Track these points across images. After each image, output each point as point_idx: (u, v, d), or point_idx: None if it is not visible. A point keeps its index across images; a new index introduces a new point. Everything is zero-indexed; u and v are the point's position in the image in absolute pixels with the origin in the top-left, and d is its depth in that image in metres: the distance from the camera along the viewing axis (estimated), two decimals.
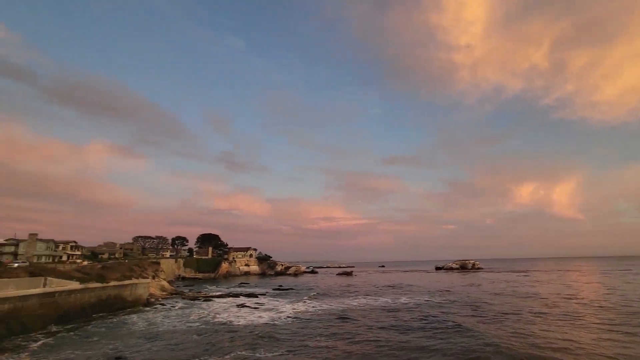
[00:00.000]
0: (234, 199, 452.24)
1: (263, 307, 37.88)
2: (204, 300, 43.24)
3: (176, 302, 42.56)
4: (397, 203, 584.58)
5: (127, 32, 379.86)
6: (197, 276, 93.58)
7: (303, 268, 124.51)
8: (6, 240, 72.69)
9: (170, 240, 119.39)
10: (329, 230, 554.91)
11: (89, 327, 27.79)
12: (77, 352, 19.40)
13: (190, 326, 27.37)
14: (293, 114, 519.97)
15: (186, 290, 56.63)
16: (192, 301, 43.25)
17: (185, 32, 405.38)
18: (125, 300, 37.68)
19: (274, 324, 27.71)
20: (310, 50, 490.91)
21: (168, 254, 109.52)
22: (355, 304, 39.72)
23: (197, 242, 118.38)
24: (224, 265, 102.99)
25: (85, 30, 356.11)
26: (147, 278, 47.86)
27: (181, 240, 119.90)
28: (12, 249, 71.16)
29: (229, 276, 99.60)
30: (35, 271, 35.04)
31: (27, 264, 47.60)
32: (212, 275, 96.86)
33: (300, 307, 37.54)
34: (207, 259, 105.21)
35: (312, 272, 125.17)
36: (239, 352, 18.90)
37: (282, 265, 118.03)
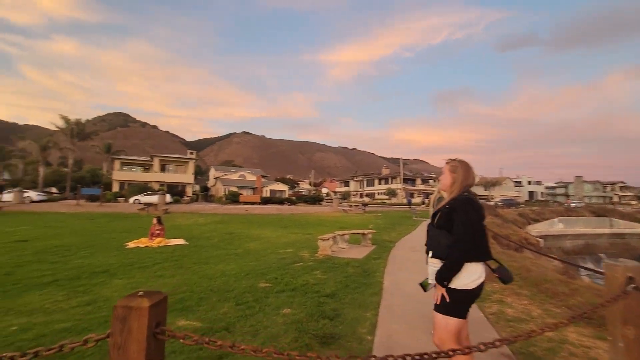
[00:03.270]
0: None
1: None
2: None
3: None
4: None
5: None
6: None
7: None
8: (556, 183, 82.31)
9: None
10: None
11: None
12: None
13: None
14: None
15: None
16: None
17: None
18: None
19: None
20: None
21: None
22: None
23: None
24: None
25: None
26: None
27: None
28: (563, 190, 79.16)
29: None
30: (597, 212, 35.46)
31: (583, 204, 49.93)
32: None
33: None
34: None
35: None
36: None
37: None
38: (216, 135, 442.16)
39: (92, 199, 33.27)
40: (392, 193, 59.67)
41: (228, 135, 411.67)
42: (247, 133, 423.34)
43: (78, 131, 45.02)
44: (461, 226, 1.91)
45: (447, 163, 2.17)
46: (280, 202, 41.25)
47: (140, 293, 1.10)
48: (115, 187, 41.02)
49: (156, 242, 8.76)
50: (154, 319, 1.04)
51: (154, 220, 9.43)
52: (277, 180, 67.82)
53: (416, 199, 55.60)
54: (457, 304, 1.94)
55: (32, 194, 32.51)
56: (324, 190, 61.55)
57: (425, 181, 66.29)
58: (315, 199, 45.74)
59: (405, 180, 63.03)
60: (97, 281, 5.18)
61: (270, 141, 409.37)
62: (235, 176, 55.20)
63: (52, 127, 46.03)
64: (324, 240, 7.68)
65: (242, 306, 3.95)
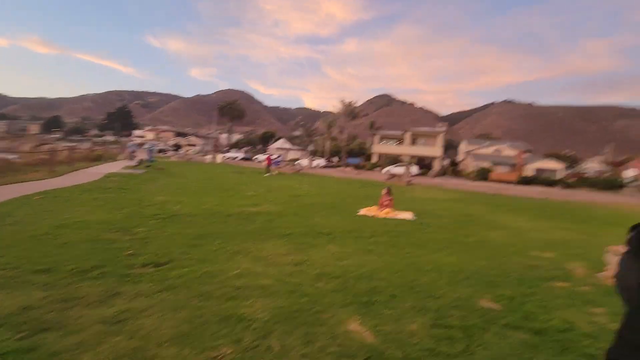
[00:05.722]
0: None
1: None
2: None
3: None
4: None
5: None
6: None
7: None
8: None
9: None
10: None
11: None
12: None
13: None
14: None
15: None
16: None
17: None
18: None
19: None
20: None
21: None
22: None
23: None
24: None
25: None
26: None
27: None
28: None
29: None
30: None
31: None
32: None
33: None
34: None
35: None
36: None
37: None
38: (472, 108, 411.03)
39: (357, 167, 39.95)
40: None
41: (486, 106, 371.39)
42: (509, 102, 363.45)
43: (350, 112, 55.00)
44: None
45: None
46: (550, 183, 32.32)
47: None
48: (374, 159, 47.26)
49: (384, 212, 8.65)
50: None
51: (384, 191, 9.36)
52: (547, 156, 53.87)
53: None
54: None
55: (321, 162, 43.47)
56: (629, 173, 42.43)
57: None
58: (610, 184, 32.27)
59: None
60: (317, 242, 5.47)
61: (541, 109, 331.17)
62: (489, 150, 48.84)
63: (335, 111, 58.97)
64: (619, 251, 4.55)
65: (440, 330, 2.67)
